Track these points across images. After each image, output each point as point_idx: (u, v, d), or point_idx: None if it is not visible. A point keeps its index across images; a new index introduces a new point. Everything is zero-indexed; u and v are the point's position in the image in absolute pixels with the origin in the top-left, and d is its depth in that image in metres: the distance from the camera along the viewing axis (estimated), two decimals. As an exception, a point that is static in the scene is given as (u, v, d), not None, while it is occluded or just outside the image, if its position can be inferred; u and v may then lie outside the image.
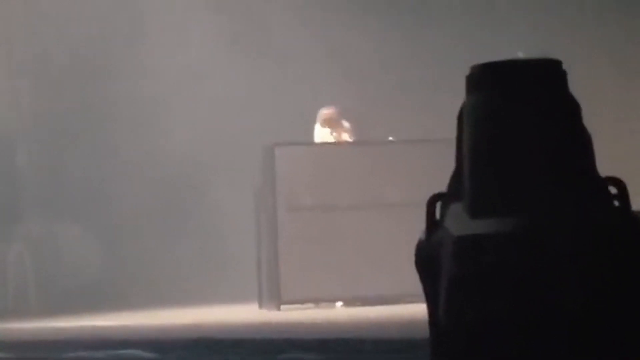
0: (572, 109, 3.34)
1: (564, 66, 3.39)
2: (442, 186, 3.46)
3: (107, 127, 13.09)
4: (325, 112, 11.42)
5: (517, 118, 3.29)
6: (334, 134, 11.40)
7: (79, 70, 13.01)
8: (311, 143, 11.43)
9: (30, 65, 13.22)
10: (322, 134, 11.43)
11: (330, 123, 11.38)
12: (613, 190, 3.31)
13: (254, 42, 13.28)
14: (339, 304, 10.78)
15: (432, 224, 3.39)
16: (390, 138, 11.30)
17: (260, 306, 10.89)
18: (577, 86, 3.45)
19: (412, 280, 3.52)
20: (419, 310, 3.57)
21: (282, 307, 10.55)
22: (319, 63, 12.94)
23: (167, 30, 13.26)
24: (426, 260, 3.34)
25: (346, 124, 11.52)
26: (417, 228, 3.51)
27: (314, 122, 11.41)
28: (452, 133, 3.44)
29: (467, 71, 3.43)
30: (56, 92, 12.96)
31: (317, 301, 10.80)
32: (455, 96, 3.76)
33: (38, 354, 7.62)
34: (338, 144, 11.41)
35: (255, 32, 13.34)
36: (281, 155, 10.86)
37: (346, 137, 11.50)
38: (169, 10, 13.29)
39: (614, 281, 3.20)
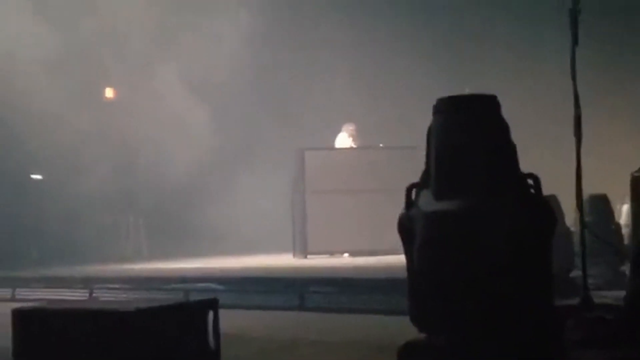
0: (503, 127, 3.32)
1: (498, 99, 3.38)
2: (415, 178, 3.45)
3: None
4: (350, 127, 11.45)
5: (465, 134, 3.27)
6: (352, 142, 11.50)
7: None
8: (330, 148, 11.41)
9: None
10: (343, 140, 11.47)
11: (353, 135, 11.48)
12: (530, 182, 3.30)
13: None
14: (346, 255, 10.77)
15: (409, 203, 3.37)
16: (381, 145, 11.27)
17: (294, 255, 10.89)
18: (507, 112, 3.43)
19: (396, 241, 3.49)
20: (399, 260, 3.56)
21: (308, 256, 10.56)
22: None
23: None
24: (405, 227, 3.32)
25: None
26: (399, 206, 3.50)
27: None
28: (423, 143, 3.44)
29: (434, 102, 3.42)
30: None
31: (332, 252, 10.79)
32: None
33: (147, 286, 7.63)
34: (349, 148, 11.42)
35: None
36: (309, 156, 10.86)
37: (352, 143, 11.52)
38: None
39: (529, 243, 3.17)
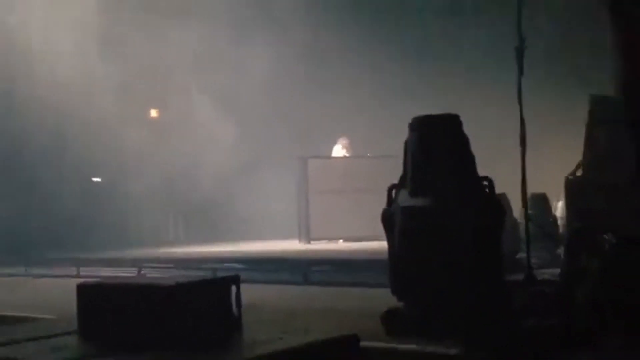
0: (464, 140, 3.33)
1: (461, 117, 3.39)
2: (395, 180, 3.45)
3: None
4: (344, 141, 11.38)
5: (433, 146, 3.29)
6: (346, 152, 11.48)
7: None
8: (328, 157, 11.41)
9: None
10: (338, 150, 11.45)
11: (346, 147, 11.45)
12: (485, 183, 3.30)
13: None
14: (341, 240, 10.78)
15: (390, 200, 3.39)
16: (368, 154, 11.27)
17: (299, 241, 10.88)
18: (467, 128, 3.43)
19: (380, 229, 3.49)
20: (382, 245, 3.57)
21: (311, 241, 10.56)
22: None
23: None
24: (387, 219, 3.34)
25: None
26: (382, 202, 3.51)
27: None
28: (401, 152, 3.44)
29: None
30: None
31: (330, 239, 10.79)
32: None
33: (184, 266, 7.64)
34: (343, 157, 11.41)
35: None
36: (311, 163, 10.86)
37: (345, 153, 11.53)
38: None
39: (484, 232, 3.18)
